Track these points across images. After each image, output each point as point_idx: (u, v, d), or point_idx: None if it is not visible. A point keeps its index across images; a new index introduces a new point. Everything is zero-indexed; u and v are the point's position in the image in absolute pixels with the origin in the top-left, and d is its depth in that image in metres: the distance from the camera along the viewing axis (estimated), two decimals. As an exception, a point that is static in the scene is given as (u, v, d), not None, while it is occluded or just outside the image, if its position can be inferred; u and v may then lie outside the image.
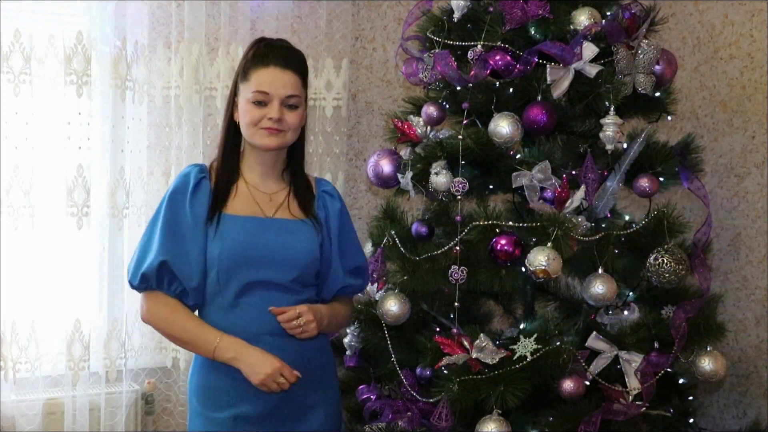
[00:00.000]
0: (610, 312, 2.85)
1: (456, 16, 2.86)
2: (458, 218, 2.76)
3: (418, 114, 2.93)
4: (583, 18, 2.77)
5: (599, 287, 2.69)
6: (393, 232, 2.93)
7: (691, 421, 2.96)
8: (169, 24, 3.40)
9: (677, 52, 3.43)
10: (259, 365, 2.32)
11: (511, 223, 2.73)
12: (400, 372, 2.87)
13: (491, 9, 2.82)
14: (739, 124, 3.43)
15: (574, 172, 2.78)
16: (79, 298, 3.33)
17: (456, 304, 2.76)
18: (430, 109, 2.88)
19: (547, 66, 2.72)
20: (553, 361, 2.65)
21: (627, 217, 2.92)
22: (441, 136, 2.87)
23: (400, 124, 2.94)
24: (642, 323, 2.82)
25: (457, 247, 2.75)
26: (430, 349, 2.75)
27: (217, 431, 2.39)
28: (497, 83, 2.81)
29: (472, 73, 2.75)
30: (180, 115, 3.41)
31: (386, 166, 2.92)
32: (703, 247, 2.90)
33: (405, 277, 2.87)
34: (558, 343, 2.67)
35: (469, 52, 2.79)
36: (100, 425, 3.32)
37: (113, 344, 3.34)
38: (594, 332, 2.74)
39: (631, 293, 2.91)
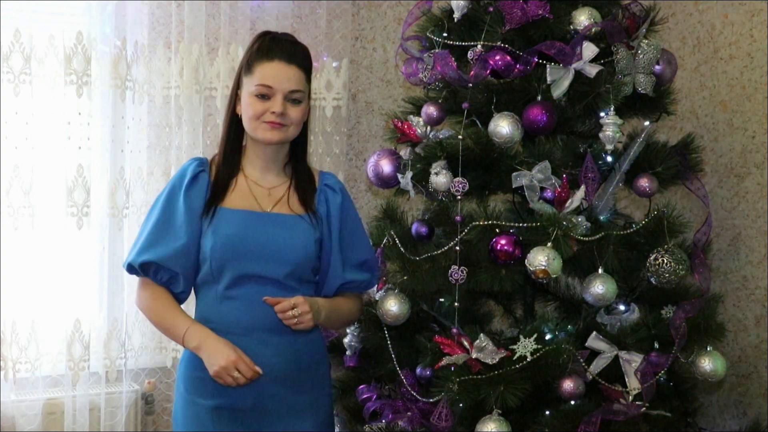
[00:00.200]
0: (610, 312, 2.85)
1: (456, 16, 2.85)
2: (458, 218, 2.76)
3: (418, 114, 2.93)
4: (583, 18, 2.78)
5: (599, 287, 2.69)
6: (393, 232, 2.93)
7: (691, 421, 2.96)
8: (169, 24, 3.40)
9: (677, 52, 3.43)
10: (216, 356, 2.29)
11: (511, 223, 2.73)
12: (400, 372, 2.87)
13: (491, 9, 2.82)
14: (739, 124, 3.43)
15: (574, 172, 2.78)
16: (79, 298, 3.34)
17: (456, 304, 2.76)
18: (430, 109, 2.88)
19: (547, 66, 2.72)
20: (553, 361, 2.65)
21: (627, 217, 2.92)
22: (441, 136, 2.87)
23: (400, 124, 2.94)
24: (642, 323, 2.82)
25: (457, 247, 2.75)
26: (430, 349, 2.75)
27: (198, 417, 2.38)
28: (497, 83, 2.81)
29: (472, 73, 2.75)
30: (180, 115, 3.41)
31: (386, 166, 2.92)
32: (703, 247, 2.90)
33: (405, 277, 2.87)
34: (558, 343, 2.67)
35: (469, 52, 2.79)
36: (100, 425, 3.32)
37: (113, 344, 3.34)
38: (594, 332, 2.74)
39: (631, 293, 2.91)
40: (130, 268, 2.41)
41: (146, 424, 3.47)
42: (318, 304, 2.41)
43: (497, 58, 2.73)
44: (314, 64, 3.57)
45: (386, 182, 2.95)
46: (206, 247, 2.38)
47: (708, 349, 2.81)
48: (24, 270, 3.23)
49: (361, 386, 3.05)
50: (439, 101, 2.91)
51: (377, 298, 2.90)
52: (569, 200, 2.69)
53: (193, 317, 2.43)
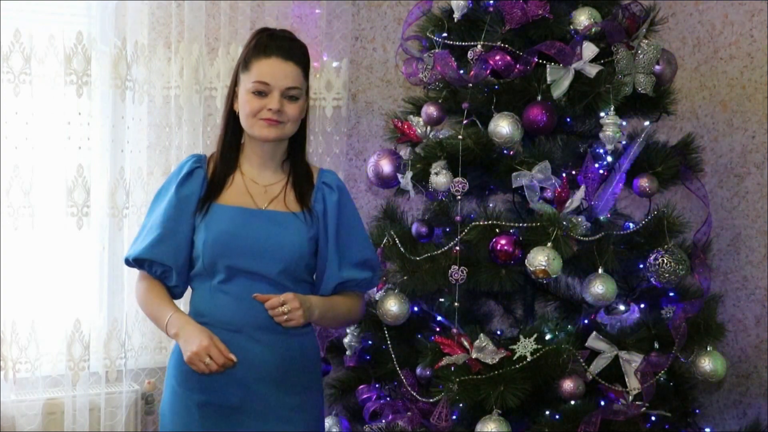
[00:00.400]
0: (610, 312, 2.85)
1: (456, 16, 2.86)
2: (458, 218, 2.76)
3: (418, 114, 2.93)
4: (583, 18, 2.78)
5: (599, 287, 2.69)
6: (393, 232, 2.93)
7: (691, 421, 2.96)
8: (169, 24, 3.40)
9: (677, 52, 3.43)
10: (190, 342, 2.27)
11: (511, 223, 2.73)
12: (400, 372, 2.87)
13: (491, 9, 2.82)
14: (739, 124, 3.43)
15: (574, 172, 2.78)
16: (79, 298, 3.33)
17: (456, 304, 2.76)
18: (430, 109, 2.88)
19: (547, 66, 2.72)
20: (553, 361, 2.65)
21: (627, 217, 2.92)
22: (441, 136, 2.87)
23: (400, 124, 2.95)
24: (642, 323, 2.82)
25: (457, 247, 2.75)
26: (430, 349, 2.75)
27: (185, 411, 2.38)
28: (497, 83, 2.81)
29: (472, 73, 2.75)
30: (180, 115, 3.41)
31: (386, 166, 2.92)
32: (703, 247, 2.90)
33: (405, 277, 2.87)
34: (558, 343, 2.67)
35: (469, 52, 2.79)
36: (100, 425, 3.32)
37: (113, 344, 3.34)
38: (594, 332, 2.74)
39: (631, 293, 2.91)
40: (128, 262, 2.46)
41: (146, 424, 3.47)
42: (310, 301, 2.38)
43: (497, 58, 2.73)
44: (314, 64, 3.61)
45: (386, 182, 2.95)
46: (199, 242, 2.39)
47: (708, 349, 2.81)
48: (24, 270, 3.23)
49: (361, 386, 3.05)
50: (439, 101, 2.91)
51: (377, 298, 2.90)
52: (569, 200, 2.69)
53: (187, 311, 2.44)
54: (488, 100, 2.82)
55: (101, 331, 3.34)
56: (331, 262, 2.46)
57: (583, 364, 2.70)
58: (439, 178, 2.75)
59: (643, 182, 2.82)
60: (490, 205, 2.87)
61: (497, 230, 2.72)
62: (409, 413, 2.84)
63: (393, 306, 2.84)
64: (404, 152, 2.95)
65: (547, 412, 2.76)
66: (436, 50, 2.84)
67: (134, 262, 2.43)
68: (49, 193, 3.26)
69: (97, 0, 3.27)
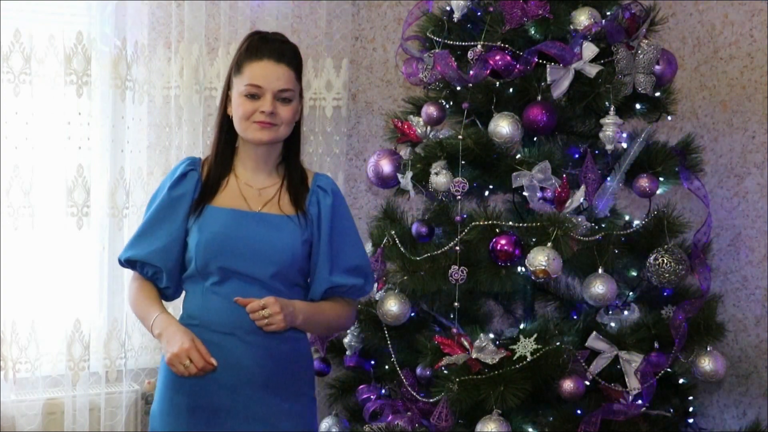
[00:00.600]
0: (610, 312, 2.85)
1: (456, 16, 2.86)
2: (458, 218, 2.76)
3: (418, 114, 2.93)
4: (583, 18, 2.78)
5: (599, 287, 2.69)
6: (393, 232, 2.93)
7: (691, 421, 2.96)
8: (169, 24, 3.40)
9: (677, 52, 3.43)
10: (171, 343, 2.26)
11: (511, 223, 2.73)
12: (400, 372, 2.88)
13: (491, 9, 2.82)
14: (739, 124, 3.43)
15: (574, 172, 2.78)
16: (79, 298, 3.33)
17: (456, 304, 2.76)
18: (430, 109, 2.88)
19: (547, 66, 2.73)
20: (553, 361, 2.65)
21: (627, 217, 2.92)
22: (441, 136, 2.87)
23: (400, 124, 2.95)
24: (642, 323, 2.82)
25: (457, 247, 2.75)
26: (430, 349, 2.75)
27: (175, 416, 2.37)
28: (497, 83, 2.81)
29: (472, 73, 2.75)
30: (180, 115, 3.41)
31: (386, 166, 2.92)
32: (703, 247, 2.90)
33: (405, 277, 2.87)
34: (558, 343, 2.67)
35: (469, 52, 2.79)
36: (100, 425, 3.32)
37: (113, 344, 3.34)
38: (594, 332, 2.74)
39: (631, 293, 2.91)
40: (120, 263, 2.47)
41: (146, 424, 3.46)
42: (293, 306, 2.35)
43: (497, 58, 2.73)
44: (314, 64, 3.61)
45: (386, 182, 2.95)
46: (192, 244, 2.38)
47: (708, 349, 2.81)
48: (24, 270, 3.23)
49: (361, 386, 3.06)
50: (439, 101, 2.91)
51: (377, 298, 2.90)
52: (569, 200, 2.69)
53: (179, 313, 2.45)
54: (488, 100, 2.82)
55: (101, 331, 3.34)
56: (322, 266, 2.43)
57: (583, 364, 2.70)
58: (439, 178, 2.75)
59: (643, 182, 2.82)
60: (490, 205, 2.87)
61: (497, 230, 2.72)
62: (409, 413, 2.84)
63: (393, 306, 2.83)
64: (404, 152, 2.95)
65: (547, 412, 2.76)
66: (436, 50, 2.84)
67: (126, 263, 2.44)
68: (49, 193, 3.26)
69: (97, 0, 3.27)
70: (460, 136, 2.76)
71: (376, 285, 2.91)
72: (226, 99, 2.44)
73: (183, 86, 3.39)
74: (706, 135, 3.50)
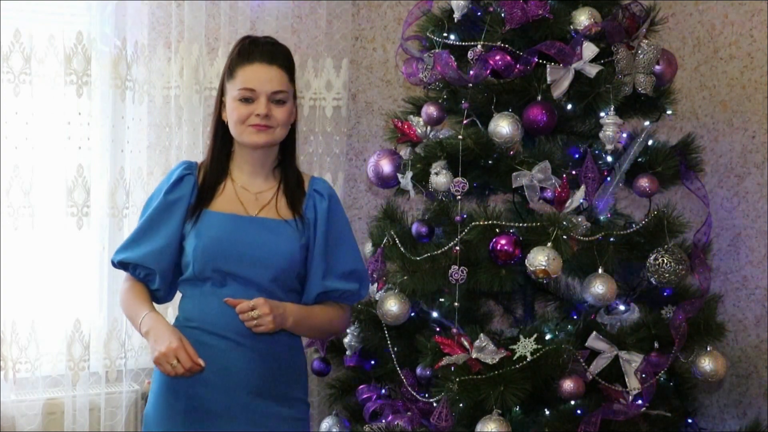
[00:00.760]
0: (610, 312, 2.85)
1: (456, 16, 2.86)
2: (458, 218, 2.76)
3: (418, 114, 2.93)
4: (583, 18, 2.78)
5: (599, 287, 2.69)
6: (393, 232, 2.93)
7: (691, 421, 2.96)
8: (169, 24, 3.40)
9: (677, 52, 3.43)
10: (159, 342, 2.25)
11: (511, 223, 2.73)
12: (400, 372, 2.88)
13: (491, 9, 2.82)
14: (739, 124, 3.43)
15: (574, 172, 2.78)
16: (79, 298, 3.33)
17: (456, 304, 2.76)
18: (430, 109, 2.88)
19: (547, 66, 2.73)
20: (553, 361, 2.65)
21: (627, 217, 2.92)
22: (441, 136, 2.87)
23: (400, 124, 2.95)
24: (642, 323, 2.82)
25: (457, 247, 2.75)
26: (430, 349, 2.75)
27: (170, 419, 2.36)
28: (497, 83, 2.81)
29: (472, 73, 2.75)
30: (180, 115, 3.41)
31: (386, 166, 2.92)
32: (703, 247, 2.90)
33: (405, 277, 2.87)
34: (558, 343, 2.67)
35: (469, 52, 2.79)
36: (100, 425, 3.32)
37: (113, 344, 3.34)
38: (594, 332, 2.74)
39: (631, 293, 2.91)
40: (113, 264, 2.47)
41: (146, 424, 3.47)
42: (284, 308, 2.34)
43: (497, 58, 2.73)
44: (314, 64, 3.61)
45: (386, 182, 2.95)
46: (189, 248, 2.38)
47: (708, 349, 2.81)
48: (24, 270, 3.23)
49: (361, 386, 3.06)
50: (439, 101, 2.91)
51: (377, 298, 2.90)
52: (569, 200, 2.69)
53: (173, 315, 2.45)
54: (488, 100, 2.82)
55: (101, 331, 3.34)
56: (316, 270, 2.42)
57: (583, 364, 2.70)
58: (439, 178, 2.75)
59: (643, 182, 2.82)
60: (490, 205, 2.86)
61: (497, 230, 2.72)
62: (409, 413, 2.84)
63: (393, 306, 2.83)
64: (404, 152, 2.95)
65: (547, 412, 2.76)
66: (436, 50, 2.84)
67: (119, 264, 2.44)
68: (49, 193, 3.26)
69: (97, 0, 3.27)
70: (460, 136, 2.76)
71: (376, 285, 2.91)
72: (220, 105, 2.44)
73: (183, 86, 3.39)
74: (706, 135, 3.50)
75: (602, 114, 2.75)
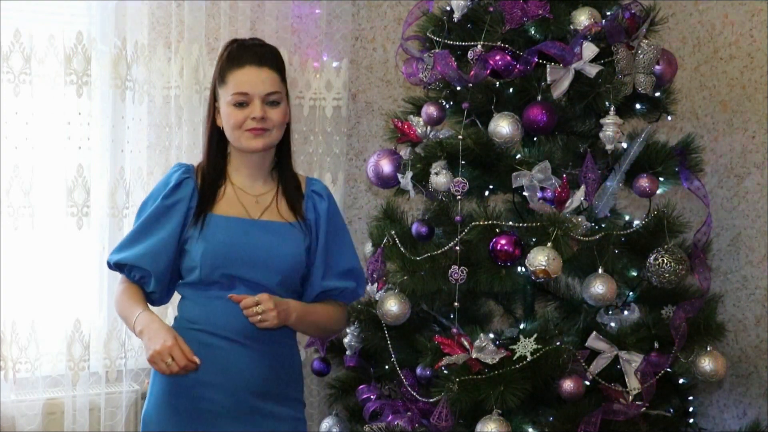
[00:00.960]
0: (610, 312, 2.85)
1: (456, 16, 2.85)
2: (458, 218, 2.76)
3: (418, 114, 2.93)
4: (583, 18, 2.78)
5: (599, 287, 2.69)
6: (393, 232, 2.93)
7: (691, 421, 2.96)
8: (169, 24, 3.40)
9: (677, 52, 3.43)
10: (154, 340, 2.23)
11: (511, 223, 2.73)
12: (400, 372, 2.88)
13: (491, 9, 2.82)
14: (739, 124, 3.43)
15: (574, 172, 2.78)
16: (79, 298, 3.33)
17: (456, 304, 2.76)
18: (430, 109, 2.88)
19: (547, 66, 2.73)
20: (553, 361, 2.65)
21: (627, 217, 2.92)
22: (441, 136, 2.87)
23: (400, 124, 2.94)
24: (642, 323, 2.82)
25: (457, 247, 2.75)
26: (430, 349, 2.75)
27: (169, 417, 2.36)
28: (497, 83, 2.81)
29: (472, 73, 2.75)
30: (180, 115, 3.41)
31: (386, 166, 2.92)
32: (703, 247, 2.90)
33: (405, 277, 2.87)
34: (558, 343, 2.67)
35: (469, 52, 2.79)
36: (100, 425, 3.32)
37: (113, 344, 3.34)
38: (594, 332, 2.74)
39: (631, 293, 2.91)
40: (109, 265, 2.46)
41: (146, 424, 3.47)
42: (287, 304, 2.36)
43: (497, 58, 2.73)
44: (314, 64, 3.61)
45: (386, 182, 2.95)
46: (196, 253, 2.37)
47: (708, 349, 2.81)
48: (24, 270, 3.23)
49: (361, 386, 3.05)
50: (439, 101, 2.91)
51: (377, 298, 2.90)
52: (569, 200, 2.69)
53: (171, 317, 2.44)
54: (488, 100, 2.83)
55: (101, 331, 3.34)
56: (317, 270, 2.45)
57: (583, 364, 2.70)
58: (439, 178, 2.75)
59: (643, 182, 2.81)
60: (490, 205, 2.87)
61: (497, 230, 2.72)
62: (409, 413, 2.84)
63: (393, 306, 2.83)
64: (404, 152, 2.95)
65: (547, 412, 2.76)
66: (436, 50, 2.84)
67: (114, 265, 2.43)
68: (49, 193, 3.26)
69: (97, 0, 3.27)
70: (460, 136, 2.76)
71: (376, 285, 2.91)
72: (213, 111, 2.43)
73: (183, 86, 3.39)
74: (706, 135, 3.50)
75: (602, 114, 2.75)
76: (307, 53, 3.61)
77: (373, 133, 3.81)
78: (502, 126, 2.72)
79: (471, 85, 2.78)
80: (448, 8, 2.91)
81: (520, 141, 2.78)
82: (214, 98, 2.43)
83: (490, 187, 2.92)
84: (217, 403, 2.35)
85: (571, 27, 2.79)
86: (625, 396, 2.72)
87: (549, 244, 2.60)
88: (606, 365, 2.73)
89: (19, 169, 3.18)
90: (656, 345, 2.76)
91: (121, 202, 3.31)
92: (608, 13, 2.81)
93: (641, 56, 2.79)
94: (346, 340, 3.06)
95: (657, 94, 2.89)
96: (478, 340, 2.65)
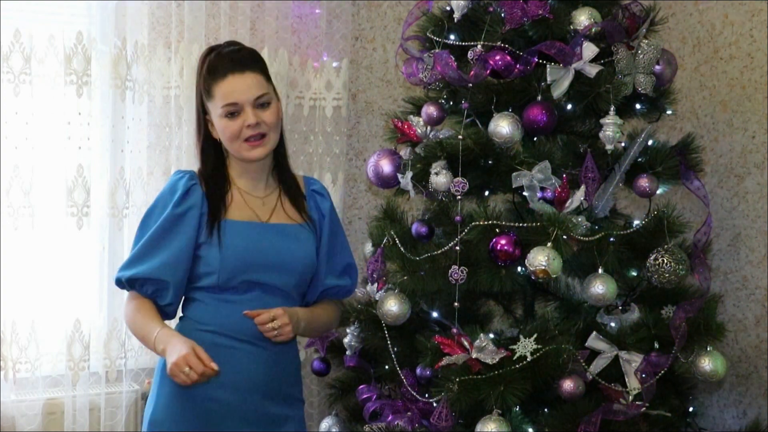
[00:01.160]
0: (611, 312, 2.85)
1: (456, 16, 2.85)
2: (458, 218, 2.76)
3: (418, 114, 2.93)
4: (583, 18, 2.77)
5: (599, 287, 2.69)
6: (393, 232, 2.93)
7: (691, 421, 2.96)
8: (169, 24, 3.40)
9: (677, 52, 3.43)
10: (171, 355, 2.23)
11: (511, 223, 2.73)
12: (400, 372, 2.87)
13: (491, 9, 2.82)
14: (739, 124, 3.43)
15: (574, 172, 2.78)
16: (79, 298, 3.33)
17: (456, 304, 2.76)
18: (430, 109, 2.88)
19: (547, 66, 2.72)
20: (553, 361, 2.65)
21: (627, 217, 2.92)
22: (441, 136, 2.87)
23: (400, 124, 2.94)
24: (642, 323, 2.82)
25: (457, 247, 2.75)
26: (430, 349, 2.75)
27: (181, 420, 2.37)
28: (497, 83, 2.81)
29: (472, 73, 2.75)
30: (180, 115, 3.41)
31: (386, 166, 2.92)
32: (703, 247, 2.90)
33: (405, 277, 2.87)
34: (558, 343, 2.67)
35: (469, 52, 2.79)
36: (100, 425, 3.32)
37: (113, 344, 3.34)
38: (594, 332, 2.74)
39: (631, 293, 2.91)
40: (120, 283, 2.40)
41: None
42: (297, 315, 2.39)
43: (497, 58, 2.73)
44: (314, 64, 3.61)
45: (386, 182, 2.95)
46: (213, 259, 2.35)
47: (708, 349, 2.81)
48: (24, 270, 3.23)
49: (361, 386, 3.05)
50: (439, 101, 2.91)
51: (377, 298, 2.90)
52: (569, 200, 2.69)
53: (180, 321, 2.46)
54: (488, 100, 2.82)
55: (101, 331, 3.34)
56: (322, 269, 2.48)
57: (583, 364, 2.70)
58: (439, 178, 2.75)
59: (643, 182, 2.81)
60: (490, 205, 2.86)
61: (497, 230, 2.72)
62: (409, 413, 2.84)
63: (393, 306, 2.83)
64: (404, 152, 2.95)
65: (547, 412, 2.76)
66: (436, 50, 2.83)
67: (126, 282, 2.38)
68: (49, 193, 3.27)
69: (97, 0, 3.27)
70: (460, 136, 2.76)
71: (376, 285, 2.92)
72: (205, 124, 2.41)
73: (183, 86, 3.39)
74: (706, 135, 3.50)
75: (602, 114, 2.75)
76: (307, 53, 3.61)
77: (373, 133, 3.81)
78: (502, 126, 2.72)
79: (471, 85, 2.78)
80: (448, 8, 2.91)
81: (520, 141, 2.78)
82: (203, 111, 2.41)
83: (490, 187, 2.92)
84: (225, 404, 2.36)
85: (571, 27, 2.79)
86: (625, 396, 2.72)
87: (549, 244, 2.60)
88: (606, 365, 2.73)
89: (19, 169, 3.19)
90: (656, 345, 2.76)
91: (121, 202, 3.31)
92: (608, 13, 2.81)
93: (641, 56, 2.79)
94: (346, 340, 3.05)
95: (657, 94, 2.89)
96: (478, 340, 2.65)
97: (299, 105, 3.62)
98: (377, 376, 3.04)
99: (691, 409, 2.97)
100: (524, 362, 2.63)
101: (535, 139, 2.85)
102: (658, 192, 2.85)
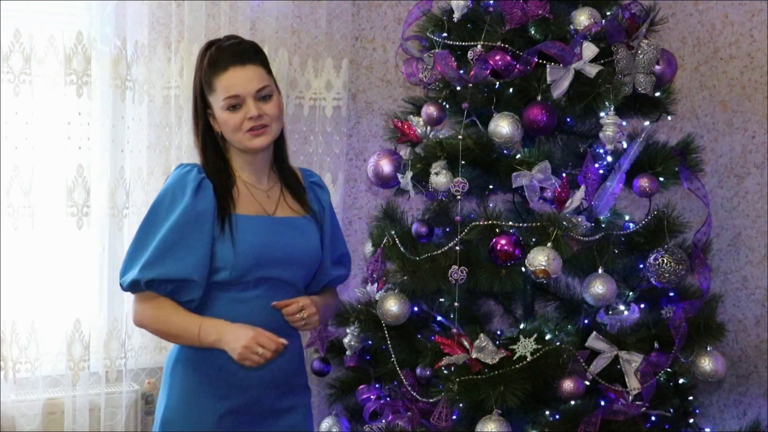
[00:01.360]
0: (610, 312, 2.85)
1: (456, 16, 2.85)
2: (458, 218, 2.76)
3: (418, 114, 2.93)
4: (583, 18, 2.77)
5: (599, 287, 2.69)
6: (393, 232, 2.93)
7: (691, 421, 2.96)
8: (169, 24, 3.40)
9: (677, 52, 3.43)
10: (235, 341, 2.24)
11: (511, 223, 2.73)
12: (400, 372, 2.87)
13: (491, 9, 2.82)
14: (739, 124, 3.43)
15: (574, 172, 2.78)
16: (79, 298, 3.33)
17: (456, 304, 2.76)
18: (430, 109, 2.88)
19: (547, 66, 2.72)
20: (553, 361, 2.65)
21: (627, 217, 2.92)
22: (441, 136, 2.87)
23: (400, 124, 2.94)
24: (642, 323, 2.82)
25: (457, 247, 2.75)
26: (430, 349, 2.75)
27: (200, 419, 2.36)
28: (497, 83, 2.81)
29: (472, 73, 2.75)
30: (180, 115, 3.41)
31: (386, 166, 2.92)
32: (703, 247, 2.90)
33: (405, 277, 2.87)
34: (558, 343, 2.67)
35: (469, 52, 2.79)
36: (100, 425, 3.32)
37: (113, 344, 3.34)
38: (594, 332, 2.74)
39: (631, 293, 2.91)
40: (134, 286, 2.32)
41: (146, 424, 3.47)
42: (318, 303, 2.45)
43: (497, 58, 2.73)
44: (315, 64, 3.61)
45: (386, 182, 2.95)
46: (226, 254, 2.33)
47: (708, 349, 2.81)
48: (24, 270, 3.23)
49: (361, 386, 3.06)
50: (439, 101, 2.91)
51: (377, 298, 2.90)
52: (569, 200, 2.69)
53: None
54: (488, 100, 2.82)
55: (101, 331, 3.34)
56: (325, 260, 2.51)
57: (583, 364, 2.70)
58: (439, 178, 2.75)
59: (643, 182, 2.81)
60: (490, 205, 2.87)
61: (497, 230, 2.72)
62: (409, 413, 2.84)
63: (393, 306, 2.83)
64: (404, 152, 2.95)
65: (547, 412, 2.76)
66: (436, 50, 2.83)
67: (146, 284, 2.30)
68: (49, 193, 3.26)
69: (97, 0, 3.27)
70: (460, 136, 2.76)
71: (376, 285, 2.92)
72: (206, 118, 2.40)
73: (183, 86, 3.39)
74: (706, 135, 3.50)
75: (602, 114, 2.75)
76: (307, 53, 3.61)
77: (373, 133, 3.80)
78: (502, 126, 2.72)
79: (471, 85, 2.78)
80: (448, 8, 2.91)
81: (520, 141, 2.78)
82: (204, 105, 2.39)
83: (490, 187, 2.92)
84: (238, 403, 2.36)
85: (571, 27, 2.79)
86: (625, 396, 2.72)
87: (549, 244, 2.60)
88: (606, 365, 2.73)
89: (19, 169, 3.19)
90: (656, 345, 2.76)
91: (121, 202, 3.31)
92: (608, 13, 2.81)
93: (641, 56, 2.79)
94: (346, 340, 3.05)
95: (657, 94, 2.89)
96: (478, 340, 2.65)
97: (299, 105, 3.62)
98: (377, 376, 3.04)
99: (691, 409, 2.97)
100: (524, 362, 2.63)
101: (535, 139, 2.85)
102: (657, 192, 2.85)
